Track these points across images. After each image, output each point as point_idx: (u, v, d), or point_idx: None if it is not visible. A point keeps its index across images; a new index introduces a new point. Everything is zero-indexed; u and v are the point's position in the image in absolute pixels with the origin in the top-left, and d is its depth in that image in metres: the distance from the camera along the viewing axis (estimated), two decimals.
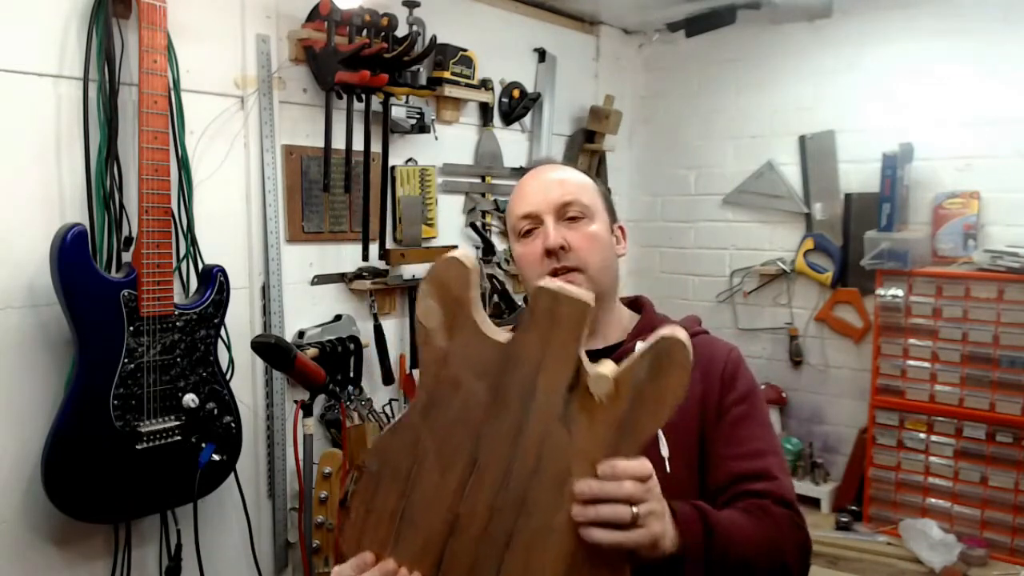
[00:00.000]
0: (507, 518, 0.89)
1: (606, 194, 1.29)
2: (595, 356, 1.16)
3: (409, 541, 0.94)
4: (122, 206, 1.88)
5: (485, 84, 2.90)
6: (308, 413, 1.88)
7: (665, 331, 0.85)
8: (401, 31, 2.44)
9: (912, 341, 2.94)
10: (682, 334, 0.84)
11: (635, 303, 1.33)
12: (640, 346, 0.86)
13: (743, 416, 1.18)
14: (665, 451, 1.15)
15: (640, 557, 0.87)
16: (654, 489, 0.88)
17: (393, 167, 2.60)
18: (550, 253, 1.17)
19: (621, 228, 1.30)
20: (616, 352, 1.20)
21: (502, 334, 0.91)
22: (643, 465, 0.86)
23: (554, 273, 1.16)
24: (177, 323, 1.86)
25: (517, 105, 3.08)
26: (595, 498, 0.84)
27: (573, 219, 1.20)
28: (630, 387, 0.84)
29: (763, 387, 2.64)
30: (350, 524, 0.97)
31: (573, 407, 0.87)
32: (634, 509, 0.84)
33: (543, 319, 0.87)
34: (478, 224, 2.92)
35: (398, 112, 2.54)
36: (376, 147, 2.48)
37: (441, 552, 0.92)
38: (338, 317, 2.47)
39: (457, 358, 0.92)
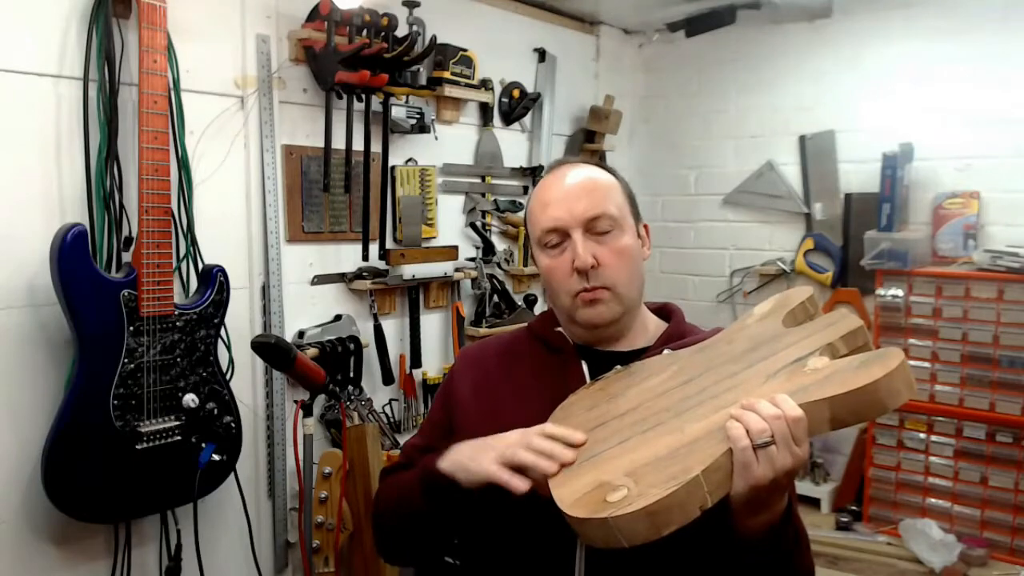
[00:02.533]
0: (664, 416, 1.02)
1: (631, 194, 1.26)
2: (618, 359, 1.21)
3: (604, 411, 1.09)
4: (122, 206, 1.88)
5: (485, 84, 2.90)
6: (308, 413, 1.88)
7: (894, 349, 0.91)
8: (401, 31, 2.44)
9: (912, 341, 2.94)
10: (902, 353, 0.90)
11: (663, 310, 1.32)
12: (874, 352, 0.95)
13: None
14: None
15: (752, 494, 0.91)
16: (795, 445, 0.90)
17: (393, 167, 2.60)
18: (580, 272, 1.16)
19: (646, 227, 1.27)
20: (641, 355, 1.19)
21: (789, 330, 1.09)
22: (800, 415, 0.90)
23: (583, 292, 1.16)
24: (177, 323, 1.86)
25: (517, 105, 3.08)
26: (752, 405, 0.91)
27: (603, 233, 1.17)
28: (832, 369, 0.94)
29: None
30: (583, 388, 1.16)
31: (783, 372, 0.98)
32: (767, 439, 0.88)
33: (823, 323, 1.06)
34: (478, 224, 2.92)
35: (398, 112, 2.54)
36: (376, 147, 2.48)
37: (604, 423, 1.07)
38: (338, 317, 2.47)
39: (751, 329, 1.12)
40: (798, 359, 0.98)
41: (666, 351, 1.18)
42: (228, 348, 2.08)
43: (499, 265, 3.04)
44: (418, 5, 2.50)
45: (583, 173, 1.21)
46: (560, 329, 1.27)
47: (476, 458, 1.05)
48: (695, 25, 3.51)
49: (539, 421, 1.10)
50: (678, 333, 1.24)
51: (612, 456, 0.98)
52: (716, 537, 0.99)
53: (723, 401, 0.98)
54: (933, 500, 2.94)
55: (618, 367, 1.16)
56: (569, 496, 0.94)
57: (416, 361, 2.71)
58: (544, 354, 1.26)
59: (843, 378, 0.90)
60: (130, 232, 1.89)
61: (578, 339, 1.25)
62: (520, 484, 0.99)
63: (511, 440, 1.04)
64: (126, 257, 1.87)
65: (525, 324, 1.35)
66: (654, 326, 1.28)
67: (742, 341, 1.09)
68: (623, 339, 1.24)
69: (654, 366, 1.13)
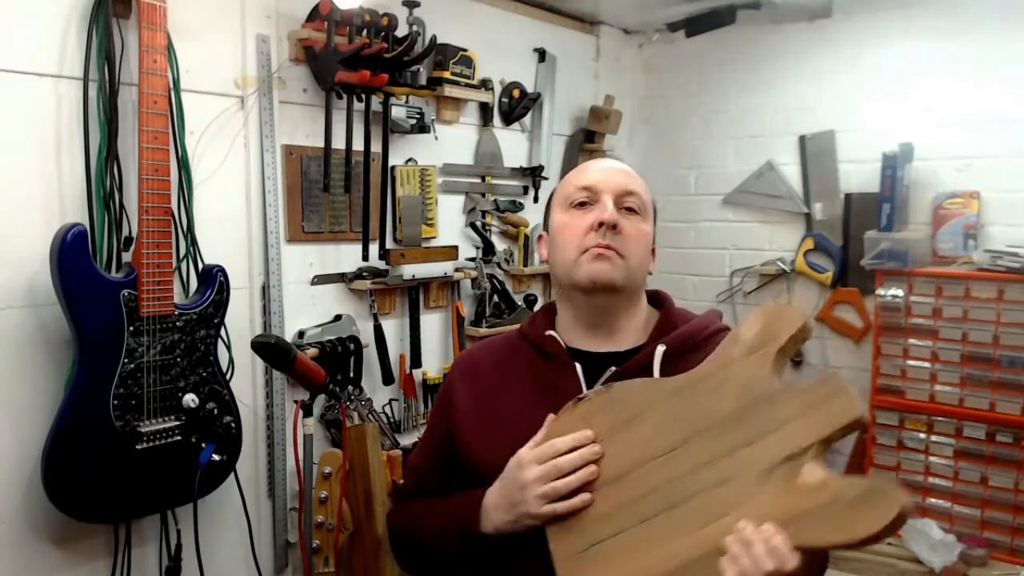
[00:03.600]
0: (656, 504, 1.00)
1: (655, 210, 1.29)
2: (613, 359, 1.20)
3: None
4: (122, 206, 1.88)
5: (485, 84, 2.90)
6: (308, 413, 1.88)
7: (896, 487, 0.86)
8: (401, 31, 2.44)
9: (912, 341, 2.94)
10: (906, 497, 0.85)
11: (654, 297, 1.31)
12: (869, 478, 0.94)
13: None
14: None
15: None
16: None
17: (393, 167, 2.60)
18: (601, 226, 1.16)
19: (654, 250, 1.28)
20: (635, 357, 1.18)
21: (779, 380, 1.00)
22: (795, 566, 0.89)
23: (598, 249, 1.16)
24: (177, 323, 1.86)
25: (517, 105, 3.08)
26: (749, 544, 0.90)
27: (630, 210, 1.20)
28: (830, 496, 0.89)
29: None
30: (567, 413, 1.10)
31: (779, 471, 0.94)
32: None
33: (819, 396, 0.95)
34: (478, 224, 2.92)
35: (398, 112, 2.54)
36: (376, 147, 2.48)
37: (594, 489, 1.05)
38: (338, 317, 2.47)
39: (737, 371, 1.02)
40: (791, 456, 0.94)
41: (659, 348, 1.17)
42: (228, 348, 2.08)
43: (499, 265, 3.04)
44: (418, 5, 2.50)
45: (624, 164, 1.29)
46: (551, 333, 1.25)
47: (518, 508, 1.09)
48: (695, 25, 3.50)
49: (538, 431, 1.12)
50: (670, 325, 1.23)
51: (610, 554, 1.02)
52: None
53: (714, 505, 0.97)
54: (933, 500, 2.94)
55: (599, 387, 1.13)
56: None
57: (416, 361, 2.71)
58: (538, 360, 1.25)
59: (840, 522, 0.87)
60: (130, 232, 1.89)
61: (570, 340, 1.24)
62: (580, 501, 1.06)
63: (537, 474, 1.07)
64: (126, 257, 1.87)
65: (518, 327, 1.34)
66: (647, 316, 1.27)
67: (728, 392, 1.01)
68: (616, 335, 1.23)
69: (635, 399, 1.07)
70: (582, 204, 1.20)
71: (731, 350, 1.04)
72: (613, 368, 1.17)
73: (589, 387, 1.17)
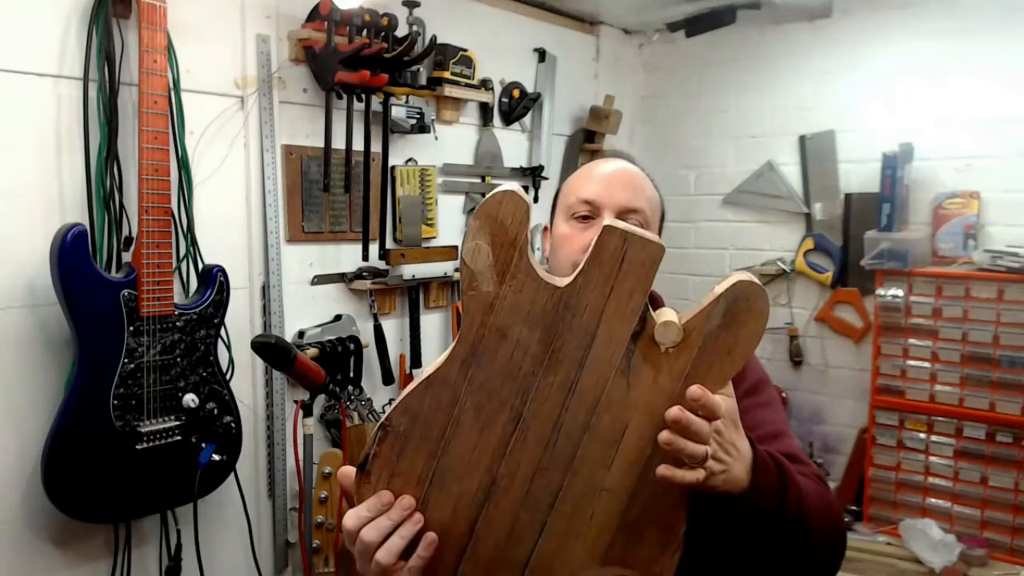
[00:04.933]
0: (553, 478, 0.85)
1: (663, 214, 1.26)
2: None
3: (439, 507, 0.86)
4: (122, 206, 1.88)
5: (485, 84, 2.90)
6: (308, 413, 1.88)
7: (742, 275, 0.79)
8: (401, 31, 2.44)
9: (912, 341, 2.94)
10: (757, 280, 0.79)
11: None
12: (716, 289, 0.80)
13: (755, 405, 1.16)
14: None
15: (706, 494, 0.85)
16: (727, 429, 0.84)
17: (393, 167, 2.60)
18: None
19: None
20: None
21: (558, 279, 0.83)
22: (724, 403, 0.81)
23: None
24: (177, 323, 1.86)
25: (517, 105, 3.08)
26: (683, 427, 0.79)
27: None
28: (701, 335, 0.79)
29: None
30: (370, 490, 0.86)
31: (636, 358, 0.81)
32: (708, 448, 0.80)
33: (608, 262, 0.79)
34: None
35: (398, 112, 2.54)
36: (376, 147, 2.48)
37: (475, 517, 0.86)
38: (338, 317, 2.47)
39: (507, 305, 0.82)
40: (633, 336, 0.81)
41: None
42: (228, 348, 2.08)
43: None
44: (418, 5, 2.50)
45: (633, 169, 1.23)
46: None
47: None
48: (695, 25, 3.50)
49: None
50: None
51: (547, 561, 0.86)
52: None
53: (605, 434, 0.83)
54: (933, 500, 2.94)
55: (377, 434, 0.87)
56: None
57: (416, 361, 2.71)
58: None
59: (727, 349, 0.79)
60: (130, 232, 1.89)
61: None
62: (424, 550, 0.86)
63: (359, 552, 0.86)
64: (126, 257, 1.87)
65: None
66: None
67: (516, 333, 0.83)
68: None
69: (430, 409, 0.86)
70: (584, 217, 1.18)
71: (479, 287, 0.82)
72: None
73: None
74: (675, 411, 0.79)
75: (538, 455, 0.84)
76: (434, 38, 2.45)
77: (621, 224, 0.81)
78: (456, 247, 2.78)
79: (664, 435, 0.80)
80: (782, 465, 0.96)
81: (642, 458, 0.84)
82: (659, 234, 1.24)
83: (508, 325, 0.83)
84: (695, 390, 0.80)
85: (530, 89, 3.16)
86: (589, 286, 0.81)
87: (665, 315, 0.82)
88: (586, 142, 3.42)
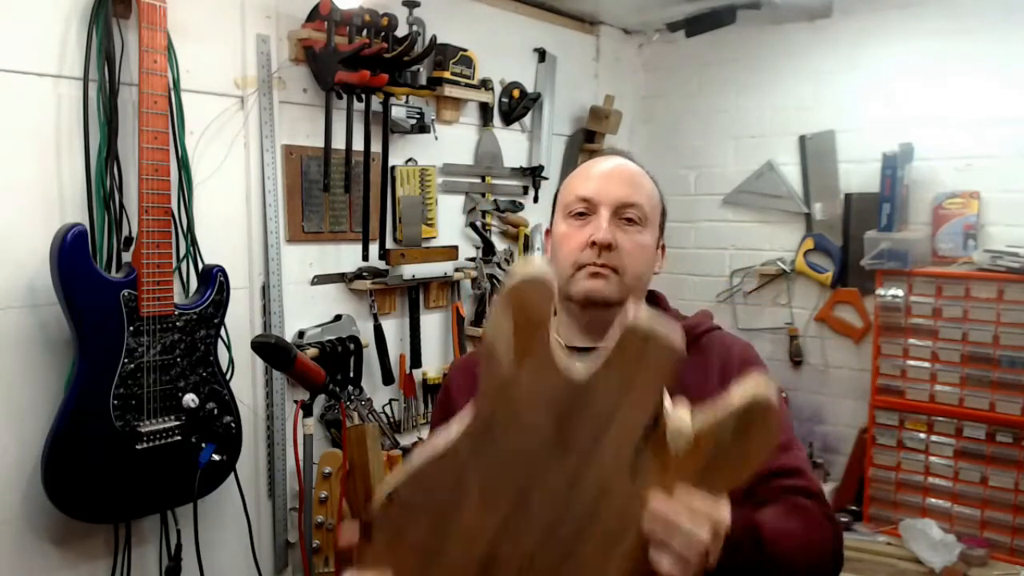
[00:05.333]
0: (552, 564, 0.83)
1: (664, 209, 1.26)
2: None
3: None
4: (122, 206, 1.88)
5: (485, 84, 2.90)
6: (308, 413, 1.88)
7: (757, 388, 0.77)
8: (401, 31, 2.44)
9: (912, 341, 2.94)
10: (773, 393, 0.78)
11: (651, 296, 1.30)
12: (732, 398, 0.79)
13: None
14: None
15: None
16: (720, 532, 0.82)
17: (393, 167, 2.59)
18: (595, 246, 1.15)
19: (663, 247, 1.27)
20: None
21: (576, 366, 0.81)
22: (725, 512, 0.81)
23: (592, 268, 1.15)
24: (177, 323, 1.86)
25: (517, 105, 3.08)
26: (670, 519, 0.78)
27: (629, 221, 1.18)
28: (712, 443, 0.78)
29: None
30: (372, 554, 0.86)
31: (645, 456, 0.80)
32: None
33: (629, 358, 0.78)
34: (478, 224, 2.92)
35: (398, 112, 2.54)
36: (376, 147, 2.48)
37: None
38: (338, 317, 2.47)
39: (523, 387, 0.81)
40: (645, 436, 0.79)
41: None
42: (228, 348, 2.08)
43: (499, 265, 3.04)
44: (418, 5, 2.50)
45: (630, 166, 1.24)
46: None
47: None
48: (695, 25, 3.50)
49: None
50: None
51: None
52: None
53: (608, 529, 0.81)
54: (933, 500, 2.94)
55: (383, 501, 0.87)
56: None
57: (416, 361, 2.71)
58: None
59: (735, 460, 0.78)
60: (130, 232, 1.89)
61: (568, 339, 1.22)
62: None
63: None
64: (126, 257, 1.87)
65: None
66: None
67: (529, 417, 0.81)
68: (613, 334, 1.20)
69: (436, 482, 0.84)
70: (581, 214, 1.19)
71: (496, 367, 0.81)
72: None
73: None
74: (663, 506, 0.78)
75: (540, 539, 0.83)
76: (434, 38, 2.45)
77: (644, 322, 0.78)
78: (456, 247, 2.78)
79: (646, 526, 0.79)
80: (760, 538, 0.95)
81: (642, 554, 0.82)
82: (661, 232, 1.25)
83: (522, 408, 0.81)
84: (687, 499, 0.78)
85: (530, 89, 3.16)
86: (607, 380, 0.80)
87: (679, 417, 0.80)
88: (586, 142, 3.42)
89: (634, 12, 3.47)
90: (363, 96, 2.36)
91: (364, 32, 2.32)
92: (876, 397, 3.02)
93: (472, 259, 2.92)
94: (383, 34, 2.36)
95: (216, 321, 1.95)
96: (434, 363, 2.82)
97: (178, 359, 1.87)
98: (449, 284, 2.84)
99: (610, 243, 1.15)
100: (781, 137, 3.42)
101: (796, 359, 3.41)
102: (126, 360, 1.77)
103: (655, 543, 0.78)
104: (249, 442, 2.19)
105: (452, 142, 2.84)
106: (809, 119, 3.34)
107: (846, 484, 3.20)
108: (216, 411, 1.95)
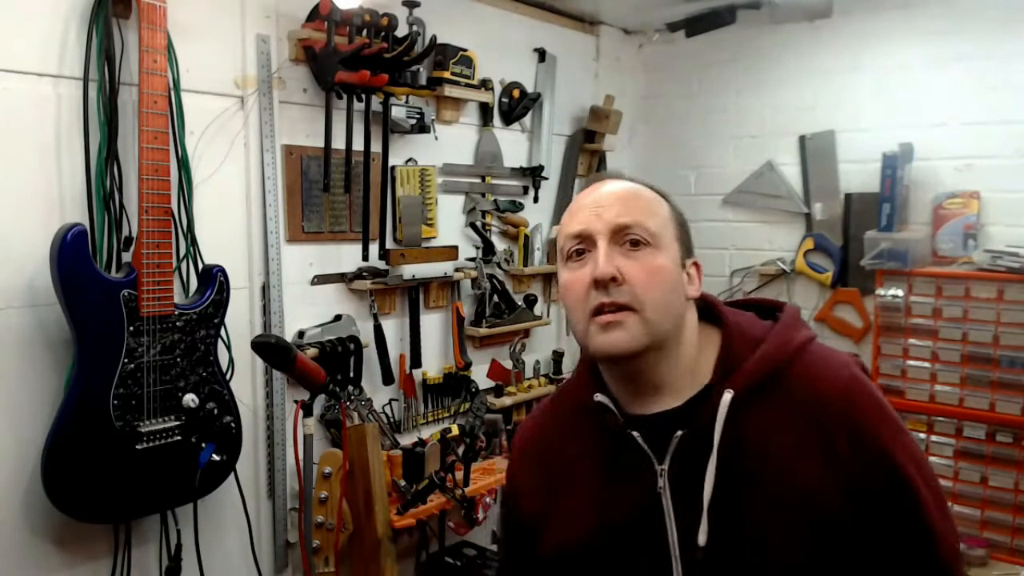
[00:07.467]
0: None
1: (682, 221, 1.10)
2: (671, 421, 1.01)
3: None
4: (122, 206, 1.88)
5: (485, 84, 2.90)
6: (308, 413, 1.88)
7: None
8: (401, 31, 2.44)
9: (912, 341, 2.94)
10: None
11: (707, 309, 1.10)
12: None
13: (907, 492, 1.03)
14: (703, 537, 0.98)
15: None
16: None
17: (393, 167, 2.59)
18: (599, 284, 0.98)
19: (696, 265, 1.09)
20: (700, 408, 1.01)
21: None
22: None
23: (600, 309, 0.99)
24: (177, 323, 1.86)
25: (517, 105, 3.08)
26: None
27: (634, 245, 1.01)
28: None
29: None
30: None
31: None
32: None
33: None
34: (478, 224, 2.92)
35: (398, 112, 2.54)
36: (376, 147, 2.48)
37: None
38: (338, 317, 2.47)
39: None
40: None
41: (726, 396, 0.98)
42: (228, 348, 2.08)
43: (499, 265, 3.04)
44: (418, 5, 2.50)
45: (622, 184, 1.08)
46: (601, 398, 1.06)
47: None
48: (695, 25, 3.50)
49: (612, 524, 1.01)
50: (734, 355, 1.02)
51: None
52: None
53: None
54: None
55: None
56: None
57: (416, 361, 2.71)
58: (592, 430, 1.08)
59: None
60: (130, 232, 1.89)
61: (624, 403, 1.07)
62: None
63: None
64: (126, 257, 1.87)
65: (559, 387, 1.18)
66: (697, 350, 1.06)
67: None
68: (665, 389, 1.03)
69: None
70: (579, 253, 1.03)
71: None
72: (679, 433, 0.99)
73: (656, 456, 1.02)
74: None
75: None
76: (434, 38, 2.45)
77: None
78: (456, 247, 2.78)
79: None
80: None
81: None
82: (684, 248, 1.09)
83: None
84: None
85: (530, 89, 3.16)
86: None
87: None
88: (586, 142, 3.42)
89: (634, 12, 3.47)
90: (363, 96, 2.36)
91: (364, 32, 2.32)
92: None
93: (472, 259, 2.92)
94: (383, 34, 2.36)
95: (216, 321, 1.95)
96: (434, 363, 2.82)
97: (178, 359, 1.87)
98: (449, 284, 2.84)
99: (613, 276, 0.98)
100: (781, 137, 3.42)
101: None
102: (126, 360, 1.77)
103: None
104: (249, 442, 2.19)
105: (452, 142, 2.84)
106: (809, 119, 3.34)
107: None
108: (216, 411, 1.95)
